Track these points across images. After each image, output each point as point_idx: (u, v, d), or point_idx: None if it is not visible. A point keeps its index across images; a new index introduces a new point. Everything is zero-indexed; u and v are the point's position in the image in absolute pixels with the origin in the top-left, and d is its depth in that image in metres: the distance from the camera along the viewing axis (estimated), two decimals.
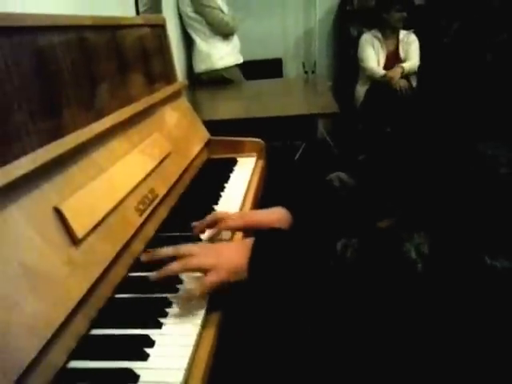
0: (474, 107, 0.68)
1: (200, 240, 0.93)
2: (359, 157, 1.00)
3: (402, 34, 3.34)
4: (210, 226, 0.92)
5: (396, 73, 3.23)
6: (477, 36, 0.70)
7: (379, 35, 3.37)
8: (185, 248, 0.76)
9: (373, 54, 3.38)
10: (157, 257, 0.76)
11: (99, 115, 0.94)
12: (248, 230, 0.91)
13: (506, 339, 0.65)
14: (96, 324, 0.70)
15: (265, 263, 0.72)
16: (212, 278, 0.72)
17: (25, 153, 0.69)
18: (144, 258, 0.76)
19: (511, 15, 0.64)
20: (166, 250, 0.76)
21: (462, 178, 0.69)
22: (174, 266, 0.73)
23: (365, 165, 0.97)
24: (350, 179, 0.95)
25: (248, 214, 0.97)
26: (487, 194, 0.65)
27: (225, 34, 3.14)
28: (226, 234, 0.94)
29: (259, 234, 0.77)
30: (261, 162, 1.46)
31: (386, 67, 3.35)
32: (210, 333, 0.70)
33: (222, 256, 0.74)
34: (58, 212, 0.70)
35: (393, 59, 3.36)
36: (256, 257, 0.73)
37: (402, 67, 3.22)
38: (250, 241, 0.75)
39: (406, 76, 3.20)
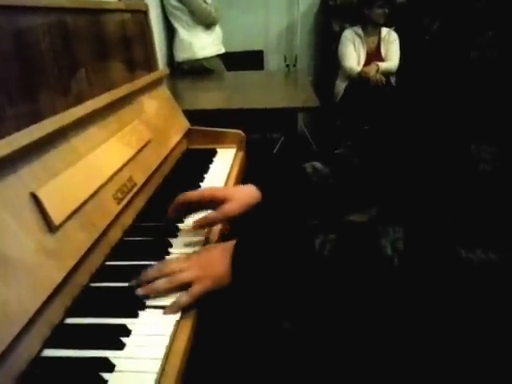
0: (457, 105, 0.69)
1: (177, 229, 0.93)
2: (337, 150, 1.00)
3: (384, 31, 3.37)
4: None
5: (371, 69, 3.28)
6: (460, 34, 0.71)
7: (360, 32, 3.39)
8: (168, 267, 0.75)
9: (353, 53, 3.40)
10: (145, 280, 0.75)
11: (79, 100, 0.92)
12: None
13: (487, 333, 0.66)
14: (72, 312, 0.69)
15: (246, 268, 0.73)
16: (197, 289, 0.72)
17: (1, 136, 0.67)
18: (133, 283, 0.76)
19: (496, 13, 0.65)
20: (151, 273, 0.75)
21: (442, 171, 0.70)
22: (161, 284, 0.73)
23: (341, 157, 0.98)
24: (324, 168, 0.96)
25: (207, 187, 0.98)
26: (466, 188, 0.65)
27: (207, 24, 3.11)
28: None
29: (239, 238, 0.77)
30: (240, 154, 1.46)
31: (366, 65, 3.37)
32: (188, 322, 0.69)
33: (205, 266, 0.75)
34: (34, 198, 0.69)
35: (374, 57, 3.38)
36: (237, 263, 0.73)
37: (378, 65, 3.28)
38: (231, 246, 0.76)
39: (386, 76, 3.24)
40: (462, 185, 0.66)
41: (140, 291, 0.73)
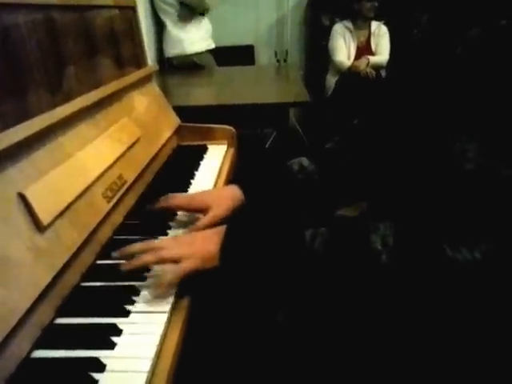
0: (443, 100, 0.69)
1: (167, 227, 0.92)
2: (326, 145, 1.00)
3: (374, 25, 3.38)
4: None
5: (361, 63, 3.30)
6: (448, 29, 0.71)
7: (351, 26, 3.40)
8: (157, 242, 0.75)
9: (343, 47, 3.41)
10: (128, 252, 0.74)
11: (67, 98, 0.91)
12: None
13: (476, 331, 0.67)
14: (62, 312, 0.69)
15: (236, 251, 0.73)
16: (186, 265, 0.71)
17: None
18: (116, 254, 0.75)
19: (484, 9, 0.65)
20: (139, 246, 0.75)
21: (428, 170, 0.70)
22: (147, 257, 0.72)
23: (330, 152, 0.98)
24: (310, 165, 0.96)
25: (194, 194, 0.97)
26: (451, 187, 0.66)
27: (199, 11, 3.05)
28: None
29: (231, 222, 0.77)
30: (231, 150, 1.45)
31: (356, 59, 3.38)
32: (179, 321, 0.69)
33: (195, 245, 0.74)
34: (22, 197, 0.68)
35: (364, 51, 3.39)
36: (227, 245, 0.73)
37: (368, 59, 3.31)
38: (222, 229, 0.75)
39: (376, 69, 3.25)
40: (448, 183, 0.66)
41: (124, 266, 0.71)
